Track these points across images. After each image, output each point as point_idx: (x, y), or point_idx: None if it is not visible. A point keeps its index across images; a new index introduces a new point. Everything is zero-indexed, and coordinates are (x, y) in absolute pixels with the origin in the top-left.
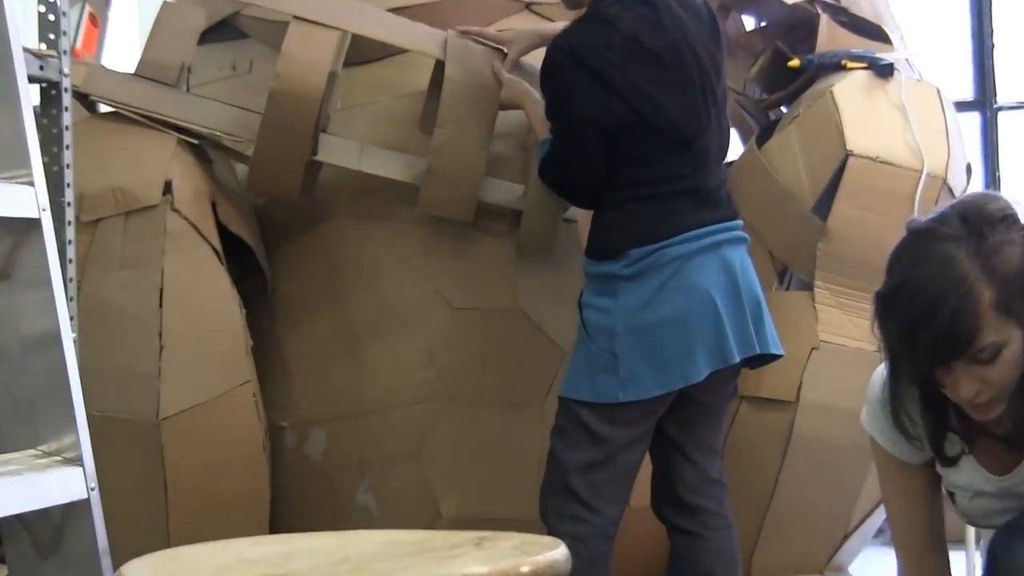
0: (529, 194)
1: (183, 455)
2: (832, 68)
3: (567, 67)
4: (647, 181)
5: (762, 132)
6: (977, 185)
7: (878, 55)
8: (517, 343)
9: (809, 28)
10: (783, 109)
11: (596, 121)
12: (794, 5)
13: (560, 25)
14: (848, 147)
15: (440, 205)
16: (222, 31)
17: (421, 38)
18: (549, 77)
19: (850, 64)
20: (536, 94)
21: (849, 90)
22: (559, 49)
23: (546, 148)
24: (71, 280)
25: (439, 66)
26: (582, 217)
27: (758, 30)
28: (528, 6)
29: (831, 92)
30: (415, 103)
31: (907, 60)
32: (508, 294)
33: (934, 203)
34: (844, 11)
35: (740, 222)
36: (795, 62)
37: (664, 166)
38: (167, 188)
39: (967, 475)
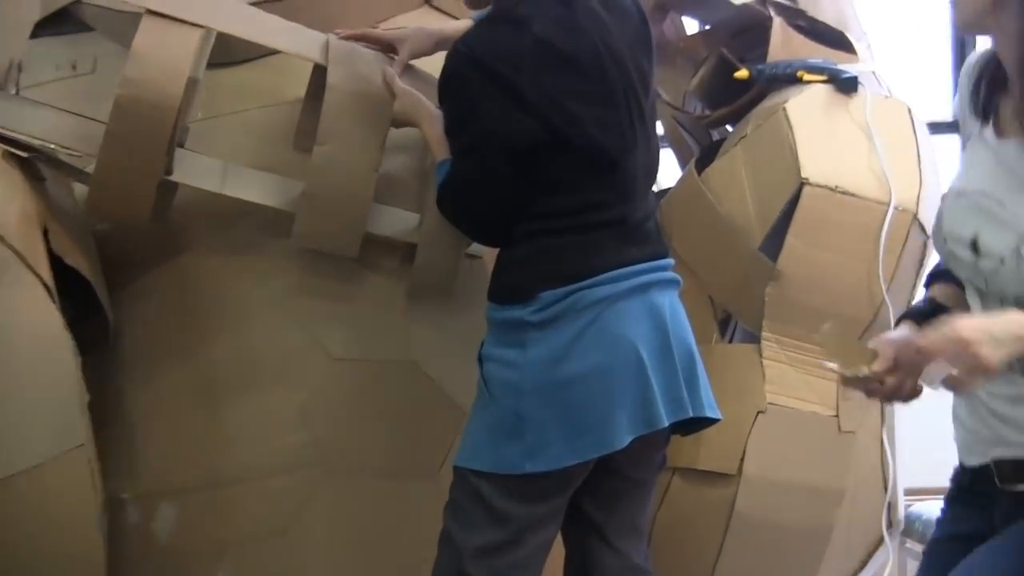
0: (425, 225)
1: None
2: (786, 80)
3: (470, 75)
4: (563, 211)
5: (703, 154)
6: None
7: (840, 66)
8: (409, 401)
9: (760, 33)
10: (728, 128)
11: (505, 139)
12: (743, 6)
13: (462, 24)
14: (803, 174)
15: (319, 237)
16: (61, 22)
17: (299, 39)
18: (449, 87)
19: (807, 76)
20: (434, 108)
21: (805, 107)
22: (460, 54)
23: (445, 171)
24: None
25: (319, 72)
26: (489, 252)
27: (700, 34)
28: (428, 0)
29: (784, 109)
30: (291, 114)
31: (874, 73)
32: (399, 343)
33: (903, 241)
34: (801, 14)
35: (671, 261)
36: (743, 72)
37: (583, 193)
38: None
39: (973, 155)
